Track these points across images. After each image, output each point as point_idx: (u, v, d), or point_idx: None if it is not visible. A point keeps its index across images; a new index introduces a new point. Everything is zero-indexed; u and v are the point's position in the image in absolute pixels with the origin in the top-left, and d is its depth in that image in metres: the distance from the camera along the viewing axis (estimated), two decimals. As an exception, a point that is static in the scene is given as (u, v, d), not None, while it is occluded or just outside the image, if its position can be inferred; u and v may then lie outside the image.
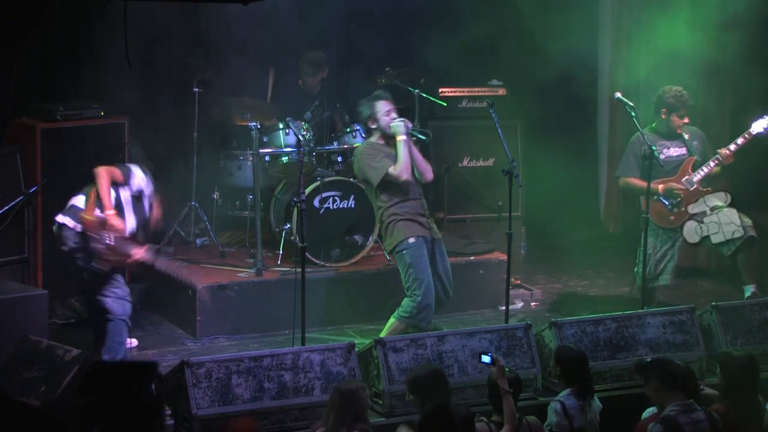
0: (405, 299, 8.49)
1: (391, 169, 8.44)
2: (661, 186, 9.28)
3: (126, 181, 8.18)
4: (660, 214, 9.34)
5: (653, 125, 9.42)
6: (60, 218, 8.11)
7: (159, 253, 8.39)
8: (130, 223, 8.19)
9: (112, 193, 8.11)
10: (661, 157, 9.22)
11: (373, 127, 8.66)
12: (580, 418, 6.66)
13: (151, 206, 8.36)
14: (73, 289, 9.27)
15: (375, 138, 8.66)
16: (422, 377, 6.58)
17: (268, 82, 10.39)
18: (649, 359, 6.81)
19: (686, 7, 10.26)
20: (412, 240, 8.48)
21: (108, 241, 8.01)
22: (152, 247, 8.27)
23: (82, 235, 8.03)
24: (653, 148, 8.88)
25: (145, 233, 8.33)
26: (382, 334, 8.44)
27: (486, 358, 6.61)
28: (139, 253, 8.11)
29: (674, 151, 9.38)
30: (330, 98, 10.25)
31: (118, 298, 8.13)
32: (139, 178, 8.25)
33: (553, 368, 7.13)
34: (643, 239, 9.02)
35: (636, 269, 9.37)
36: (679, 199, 9.31)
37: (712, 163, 9.29)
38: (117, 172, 8.17)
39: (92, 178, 8.11)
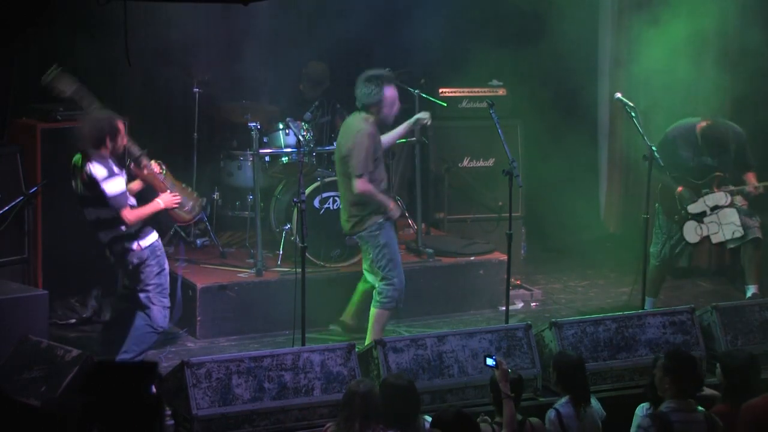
0: (380, 285, 8.52)
1: (365, 179, 8.37)
2: (680, 188, 9.27)
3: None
4: (670, 209, 9.34)
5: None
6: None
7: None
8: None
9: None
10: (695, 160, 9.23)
11: (376, 111, 8.47)
12: (575, 427, 6.63)
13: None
14: (74, 288, 9.30)
15: (372, 120, 8.49)
16: (393, 386, 6.53)
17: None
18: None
19: (687, 5, 10.25)
20: (381, 220, 8.52)
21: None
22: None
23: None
24: (653, 148, 8.87)
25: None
26: (370, 326, 8.52)
27: (490, 361, 6.59)
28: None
29: (707, 159, 9.31)
30: (330, 99, 10.25)
31: (163, 308, 8.05)
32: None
33: (552, 374, 7.10)
34: (644, 239, 9.02)
35: (652, 249, 9.32)
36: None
37: (730, 198, 9.25)
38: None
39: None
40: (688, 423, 6.32)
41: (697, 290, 10.46)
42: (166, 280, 8.10)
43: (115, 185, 7.81)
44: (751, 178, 9.28)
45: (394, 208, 8.59)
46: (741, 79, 10.56)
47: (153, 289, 8.00)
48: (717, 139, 9.15)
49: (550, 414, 6.66)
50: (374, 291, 8.62)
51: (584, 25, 10.98)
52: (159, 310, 8.02)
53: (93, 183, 7.81)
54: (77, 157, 7.92)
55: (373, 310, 8.60)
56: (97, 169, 7.79)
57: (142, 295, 8.00)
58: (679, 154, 9.23)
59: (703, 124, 9.21)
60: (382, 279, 8.55)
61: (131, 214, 7.88)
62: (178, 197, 8.21)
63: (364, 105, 8.49)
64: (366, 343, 8.44)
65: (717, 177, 9.30)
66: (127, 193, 7.95)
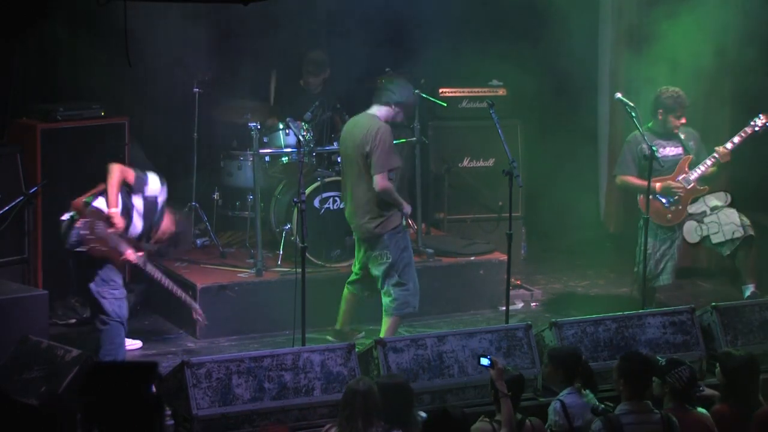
0: (395, 290, 8.52)
1: (386, 176, 8.44)
2: (658, 184, 9.29)
3: (138, 189, 8.12)
4: (657, 212, 9.36)
5: (649, 125, 9.43)
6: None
7: (151, 259, 8.25)
8: (138, 227, 8.16)
9: (122, 197, 8.05)
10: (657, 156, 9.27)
11: (396, 111, 8.59)
12: (581, 417, 6.64)
13: (161, 216, 8.29)
14: (73, 289, 9.29)
15: (386, 117, 8.58)
16: (387, 385, 6.51)
17: (270, 84, 10.39)
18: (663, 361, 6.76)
19: (687, 7, 10.25)
20: (403, 222, 8.61)
21: (98, 230, 7.94)
22: (147, 254, 8.18)
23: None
24: (653, 148, 8.89)
25: (147, 240, 8.31)
26: (383, 333, 8.50)
27: (485, 361, 6.57)
28: (131, 255, 8.05)
29: (670, 150, 9.39)
30: (330, 99, 10.24)
31: (115, 299, 8.09)
32: (153, 186, 8.19)
33: (548, 370, 7.03)
34: (643, 240, 9.03)
35: (636, 269, 9.38)
36: (676, 197, 9.34)
37: (708, 162, 9.32)
38: (130, 174, 8.09)
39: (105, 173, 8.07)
40: (642, 424, 6.30)
41: (697, 290, 10.47)
42: (112, 271, 8.08)
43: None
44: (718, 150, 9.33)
45: (408, 207, 8.66)
46: (740, 83, 10.57)
47: (99, 281, 8.03)
48: (677, 96, 9.22)
49: (555, 405, 6.66)
50: (385, 298, 8.59)
51: (584, 25, 10.97)
52: (110, 302, 8.06)
53: None
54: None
55: (385, 319, 8.58)
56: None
57: (91, 289, 8.04)
58: (644, 151, 9.19)
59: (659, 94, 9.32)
60: (398, 284, 8.54)
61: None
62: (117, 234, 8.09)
63: (398, 101, 8.57)
64: None
65: (686, 159, 9.34)
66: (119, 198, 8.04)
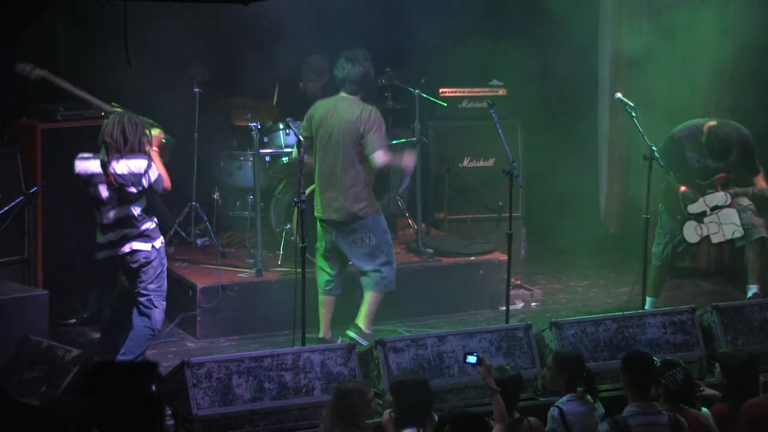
0: (384, 269, 8.63)
1: (385, 151, 8.57)
2: (683, 187, 9.28)
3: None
4: (673, 208, 9.35)
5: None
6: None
7: None
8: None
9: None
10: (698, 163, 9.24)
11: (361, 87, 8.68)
12: (580, 425, 6.61)
13: None
14: (74, 288, 9.31)
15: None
16: (406, 384, 6.51)
17: (273, 93, 10.40)
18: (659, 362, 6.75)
19: (687, 10, 10.25)
20: (379, 206, 8.78)
21: None
22: None
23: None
24: (653, 148, 8.88)
25: None
26: (366, 308, 8.65)
27: (471, 359, 6.55)
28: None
29: (712, 162, 9.31)
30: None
31: (161, 311, 8.12)
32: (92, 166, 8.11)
33: (552, 374, 7.00)
34: (644, 239, 9.02)
35: (654, 249, 9.34)
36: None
37: (739, 199, 9.27)
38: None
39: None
40: (650, 426, 6.28)
41: (697, 290, 10.46)
42: (165, 281, 8.13)
43: (154, 171, 8.00)
44: (760, 180, 9.28)
45: (409, 158, 8.87)
46: (739, 86, 10.57)
47: (154, 291, 8.04)
48: (720, 141, 9.11)
49: (553, 411, 6.63)
50: (372, 275, 8.66)
51: (585, 25, 10.98)
52: (159, 312, 8.09)
53: (131, 178, 7.89)
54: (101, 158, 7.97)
55: (371, 294, 8.69)
56: (135, 164, 7.92)
57: (143, 299, 8.01)
58: (686, 154, 9.23)
59: (710, 124, 9.19)
60: (386, 263, 8.67)
61: (167, 181, 8.12)
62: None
63: (371, 80, 8.78)
64: (358, 322, 8.64)
65: (721, 177, 9.30)
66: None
